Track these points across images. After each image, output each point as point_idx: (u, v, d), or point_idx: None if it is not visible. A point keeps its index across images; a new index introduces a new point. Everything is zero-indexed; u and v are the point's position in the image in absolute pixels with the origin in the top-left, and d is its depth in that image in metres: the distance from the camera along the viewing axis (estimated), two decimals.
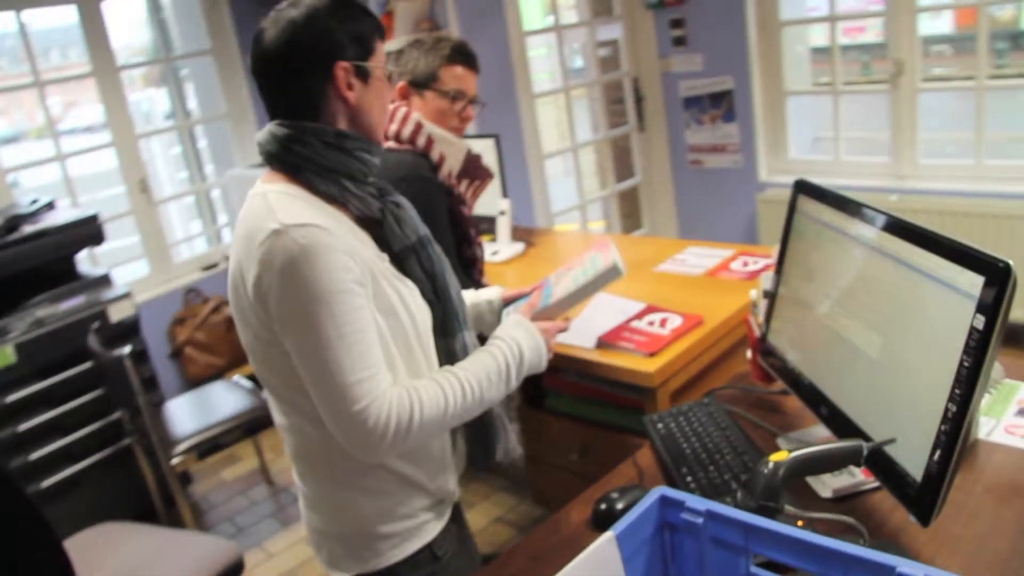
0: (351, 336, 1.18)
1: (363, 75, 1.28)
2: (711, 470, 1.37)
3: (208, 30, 4.16)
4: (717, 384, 1.76)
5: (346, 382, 1.18)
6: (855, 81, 6.33)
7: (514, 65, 3.84)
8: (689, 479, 1.37)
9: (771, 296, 1.60)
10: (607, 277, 1.55)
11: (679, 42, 4.10)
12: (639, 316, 2.14)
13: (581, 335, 2.10)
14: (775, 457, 1.05)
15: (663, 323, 2.08)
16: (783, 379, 1.51)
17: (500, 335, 1.40)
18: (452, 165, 1.99)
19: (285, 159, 1.26)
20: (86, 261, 3.51)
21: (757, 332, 1.66)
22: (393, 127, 1.94)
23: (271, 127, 1.28)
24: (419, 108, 1.98)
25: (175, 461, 2.80)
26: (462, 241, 2.05)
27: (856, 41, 8.45)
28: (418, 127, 1.93)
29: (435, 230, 1.89)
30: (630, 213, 4.91)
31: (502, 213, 3.05)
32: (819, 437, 1.42)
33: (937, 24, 8.93)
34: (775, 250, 1.63)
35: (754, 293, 1.75)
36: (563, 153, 4.65)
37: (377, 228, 1.34)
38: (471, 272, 2.12)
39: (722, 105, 4.07)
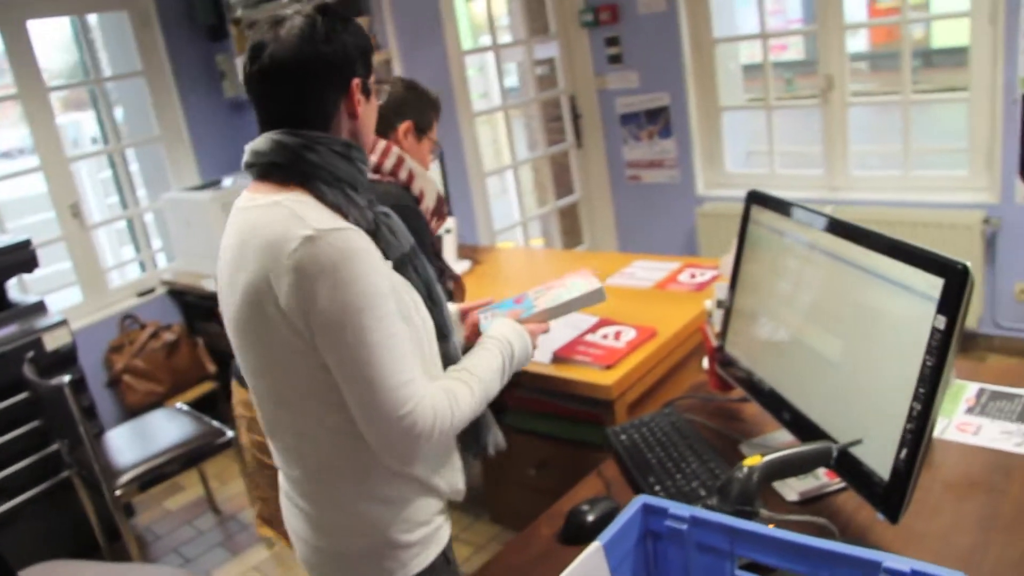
0: (392, 339, 1.19)
1: (366, 92, 1.31)
2: (678, 478, 1.39)
3: (139, 52, 4.07)
4: (673, 395, 1.78)
5: (391, 386, 1.18)
6: (784, 97, 6.52)
7: (453, 84, 3.85)
8: (657, 488, 1.38)
9: (727, 306, 1.64)
10: (591, 298, 1.62)
11: (615, 60, 4.17)
12: (592, 330, 2.16)
13: (536, 350, 2.10)
14: (749, 462, 1.07)
15: (617, 336, 2.10)
16: (743, 387, 1.55)
17: (493, 334, 1.45)
18: (429, 203, 2.04)
19: (295, 167, 1.24)
20: (15, 288, 3.38)
21: (714, 342, 1.69)
22: (374, 158, 1.96)
23: (275, 136, 1.25)
24: (410, 149, 2.03)
25: (119, 492, 2.70)
26: (441, 273, 2.07)
27: (780, 59, 8.74)
28: (400, 160, 1.98)
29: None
30: (570, 229, 4.96)
31: (448, 231, 3.05)
32: (781, 442, 1.45)
33: (854, 42, 9.31)
34: (722, 261, 1.67)
35: (709, 303, 1.79)
36: (502, 171, 4.67)
37: (371, 238, 1.33)
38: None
39: (659, 121, 4.15)
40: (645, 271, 2.63)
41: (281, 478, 1.43)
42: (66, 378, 2.52)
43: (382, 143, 1.98)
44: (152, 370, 3.89)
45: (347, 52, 1.26)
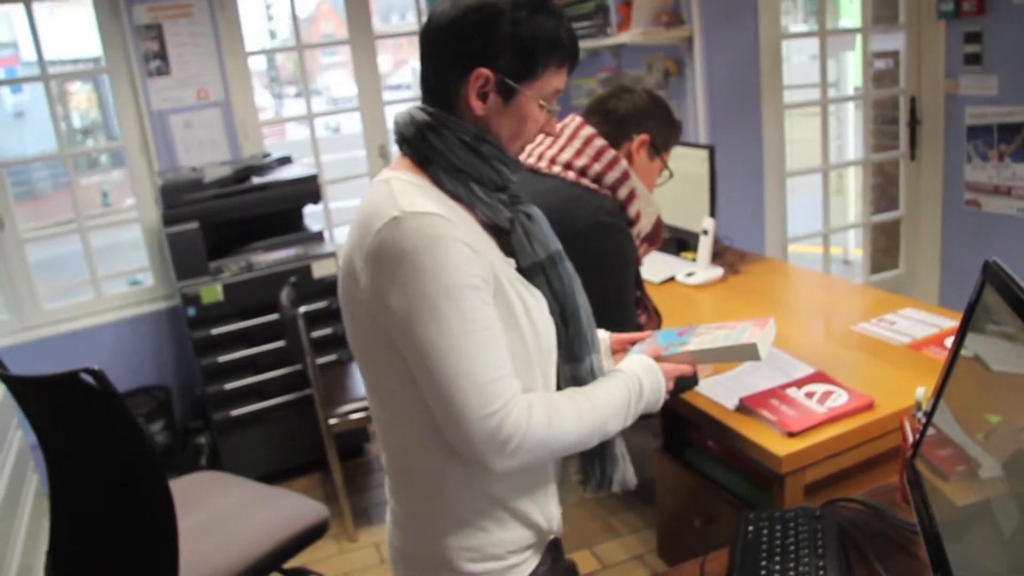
0: (481, 333, 1.08)
1: (505, 92, 1.16)
2: None
3: None
4: (870, 487, 1.43)
5: (478, 381, 1.07)
6: None
7: (762, 69, 3.47)
8: None
9: (932, 407, 1.25)
10: (741, 353, 1.40)
11: (972, 60, 3.47)
12: (799, 383, 1.81)
13: (725, 391, 1.82)
14: None
15: (824, 397, 1.74)
16: (916, 514, 1.17)
17: (623, 368, 1.30)
18: (644, 226, 1.88)
19: (416, 146, 1.18)
20: (316, 217, 3.70)
21: (910, 443, 1.31)
22: (597, 167, 1.82)
23: (412, 109, 1.21)
24: (639, 166, 1.89)
25: (332, 421, 2.87)
26: (637, 304, 1.90)
27: None
28: (625, 176, 1.83)
29: (623, 286, 1.80)
30: (887, 249, 4.33)
31: (704, 232, 2.77)
32: None
33: None
34: None
35: (921, 392, 1.39)
36: (812, 173, 4.17)
37: (504, 237, 1.23)
38: None
39: (1014, 140, 3.40)
40: (909, 322, 2.16)
41: None
42: (302, 309, 2.70)
43: (611, 153, 1.83)
44: None
45: (489, 39, 1.13)
